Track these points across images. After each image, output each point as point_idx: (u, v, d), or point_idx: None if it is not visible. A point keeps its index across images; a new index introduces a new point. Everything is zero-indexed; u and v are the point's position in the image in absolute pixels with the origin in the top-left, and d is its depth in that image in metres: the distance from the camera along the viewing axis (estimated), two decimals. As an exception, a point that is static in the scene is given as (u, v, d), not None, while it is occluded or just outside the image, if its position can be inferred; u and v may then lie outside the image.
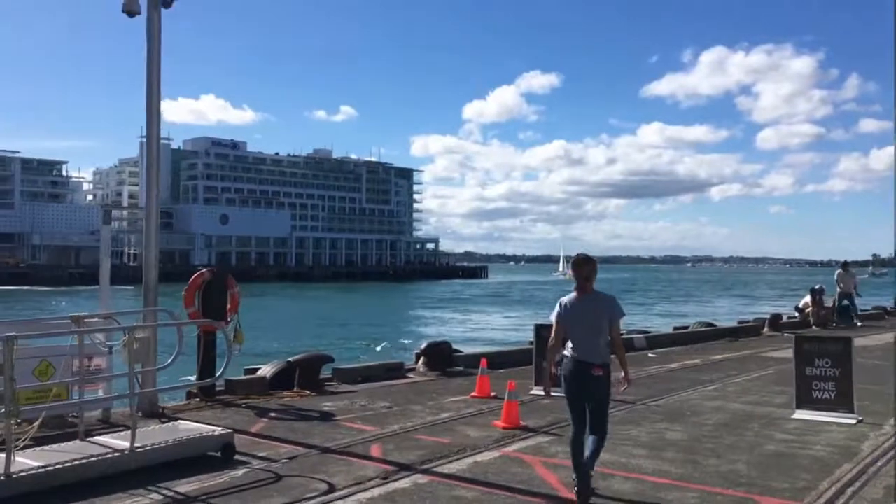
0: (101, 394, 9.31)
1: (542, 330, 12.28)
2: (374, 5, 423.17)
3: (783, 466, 7.69)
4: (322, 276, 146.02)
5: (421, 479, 7.17)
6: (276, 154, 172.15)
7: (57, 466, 6.53)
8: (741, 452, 8.26)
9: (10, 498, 6.17)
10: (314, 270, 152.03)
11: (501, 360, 15.20)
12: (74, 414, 9.46)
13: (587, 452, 6.53)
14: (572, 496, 6.51)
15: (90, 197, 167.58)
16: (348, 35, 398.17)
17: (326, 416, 10.04)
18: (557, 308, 6.78)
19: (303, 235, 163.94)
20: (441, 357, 14.32)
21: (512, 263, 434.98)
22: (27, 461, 6.51)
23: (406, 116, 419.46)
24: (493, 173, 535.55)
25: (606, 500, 6.61)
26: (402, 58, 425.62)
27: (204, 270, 11.29)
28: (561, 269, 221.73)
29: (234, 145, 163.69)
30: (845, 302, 26.25)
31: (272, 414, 10.17)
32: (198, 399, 10.92)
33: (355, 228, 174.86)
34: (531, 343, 12.74)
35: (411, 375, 13.89)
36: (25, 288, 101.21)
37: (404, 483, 7.02)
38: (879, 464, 7.83)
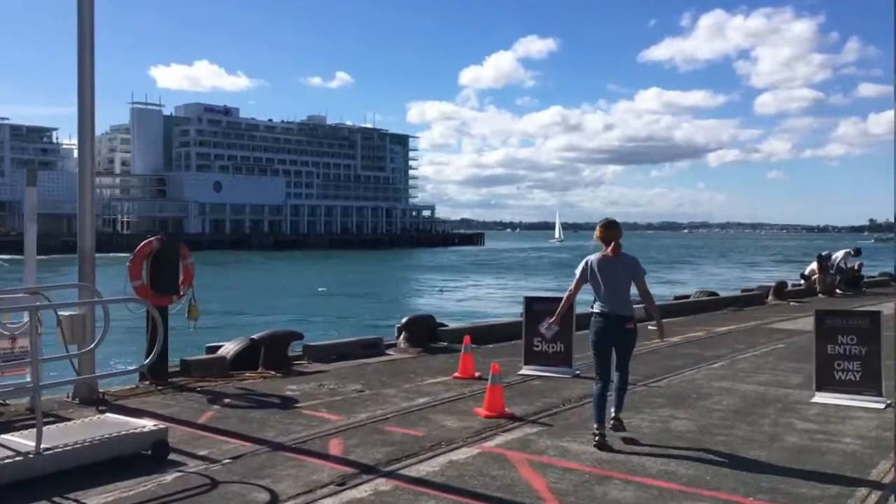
0: (28, 379, 8.14)
1: (532, 303, 11.14)
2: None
3: (809, 465, 6.57)
4: (317, 243, 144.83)
5: (383, 484, 6.03)
6: (270, 120, 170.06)
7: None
8: (759, 447, 7.14)
9: None
10: (309, 238, 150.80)
11: (490, 335, 14.11)
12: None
13: (614, 404, 7.39)
14: (562, 510, 5.44)
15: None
16: (345, 0, 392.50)
17: (287, 403, 8.90)
18: (583, 265, 7.58)
19: (297, 203, 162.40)
20: (423, 332, 13.18)
21: (508, 230, 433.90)
22: None
23: (402, 83, 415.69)
24: (489, 140, 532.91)
25: (603, 515, 5.49)
26: (398, 23, 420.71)
27: (151, 238, 10.06)
28: (557, 235, 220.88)
29: (227, 111, 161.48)
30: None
31: (227, 400, 9.02)
32: (147, 382, 9.78)
33: (350, 196, 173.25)
34: (522, 316, 11.56)
35: (391, 352, 12.75)
36: (17, 257, 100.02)
37: (363, 490, 5.87)
38: (921, 461, 6.72)
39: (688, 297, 22.14)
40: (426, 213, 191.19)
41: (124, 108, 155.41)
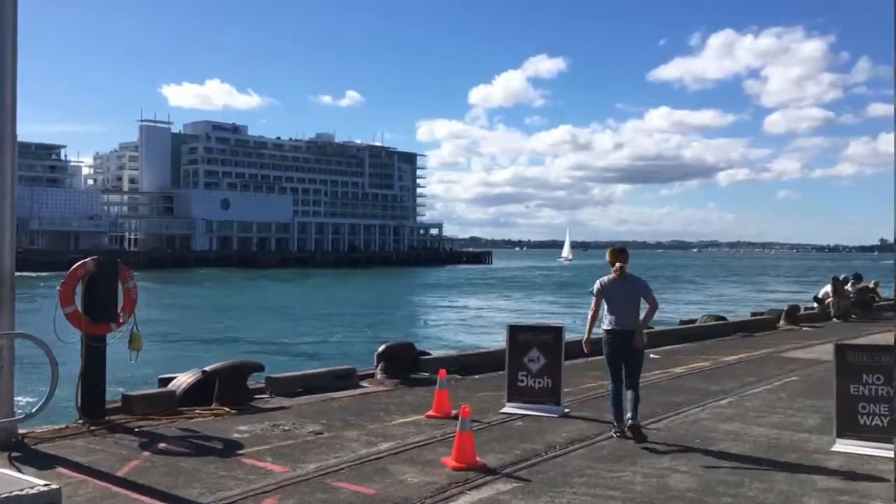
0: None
1: (517, 333, 9.97)
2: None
3: (835, 541, 5.38)
4: (324, 261, 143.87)
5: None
6: (278, 138, 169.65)
7: None
8: (773, 514, 5.95)
9: None
10: (316, 256, 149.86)
11: (478, 364, 12.95)
12: None
13: (629, 408, 8.20)
14: None
15: (91, 182, 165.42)
16: (355, 19, 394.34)
17: (230, 448, 7.75)
18: (598, 286, 8.53)
19: (305, 221, 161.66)
20: (402, 361, 12.03)
21: (517, 249, 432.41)
22: None
23: (412, 101, 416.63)
24: (498, 158, 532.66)
25: None
26: (408, 43, 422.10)
27: (87, 259, 8.94)
28: (565, 254, 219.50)
29: (235, 129, 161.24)
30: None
31: (162, 444, 7.87)
32: (81, 421, 8.65)
33: (358, 214, 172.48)
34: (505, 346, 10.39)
35: (365, 384, 11.60)
36: (23, 274, 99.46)
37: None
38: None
39: (694, 321, 20.89)
40: (434, 231, 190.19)
41: (135, 127, 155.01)
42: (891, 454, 7.47)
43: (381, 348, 12.01)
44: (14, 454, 7.32)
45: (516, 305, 55.51)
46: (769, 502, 6.23)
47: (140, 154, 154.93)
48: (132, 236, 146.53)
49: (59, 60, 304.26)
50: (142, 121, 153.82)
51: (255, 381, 11.02)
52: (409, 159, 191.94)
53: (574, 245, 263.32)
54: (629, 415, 8.19)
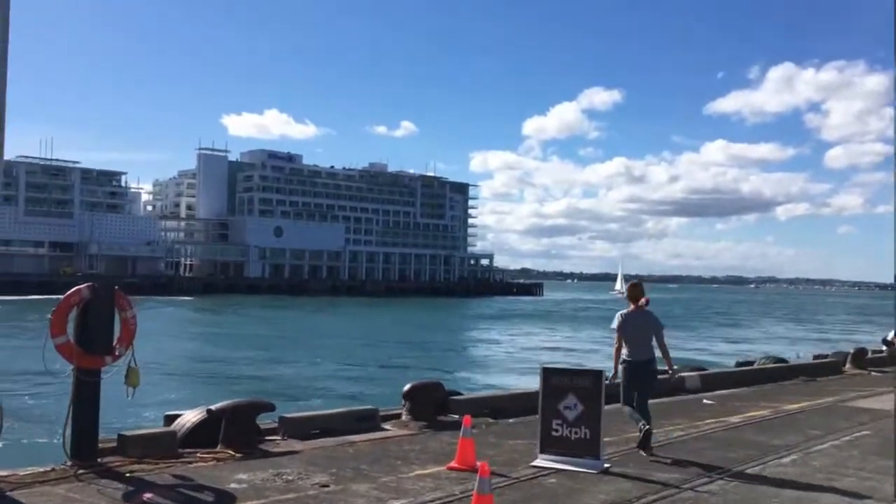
0: None
1: (550, 376, 8.96)
2: (437, 23, 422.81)
3: None
4: (374, 290, 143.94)
5: None
6: (332, 167, 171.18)
7: None
8: None
9: None
10: (366, 284, 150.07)
11: (513, 406, 11.93)
12: None
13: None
14: None
15: (150, 208, 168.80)
16: (412, 52, 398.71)
17: (223, 502, 6.90)
18: (619, 319, 9.25)
19: (356, 249, 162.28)
20: (430, 402, 11.08)
21: (569, 281, 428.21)
22: None
23: (466, 132, 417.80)
24: (551, 190, 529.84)
25: None
26: (463, 74, 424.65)
27: (81, 286, 8.23)
28: (618, 287, 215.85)
29: (290, 158, 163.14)
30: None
31: (147, 496, 7.04)
32: (69, 463, 7.89)
33: (409, 243, 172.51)
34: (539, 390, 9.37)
35: (388, 427, 10.68)
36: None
37: None
38: None
39: (751, 363, 19.48)
40: (484, 261, 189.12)
41: (194, 155, 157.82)
42: None
43: (407, 388, 11.09)
44: (-18, 502, 6.58)
45: (564, 340, 54.05)
46: None
47: (198, 181, 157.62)
48: (187, 262, 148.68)
49: (126, 91, 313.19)
50: (200, 149, 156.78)
51: (269, 420, 10.21)
52: (461, 189, 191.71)
53: (627, 278, 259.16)
54: (643, 422, 9.14)
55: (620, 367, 9.24)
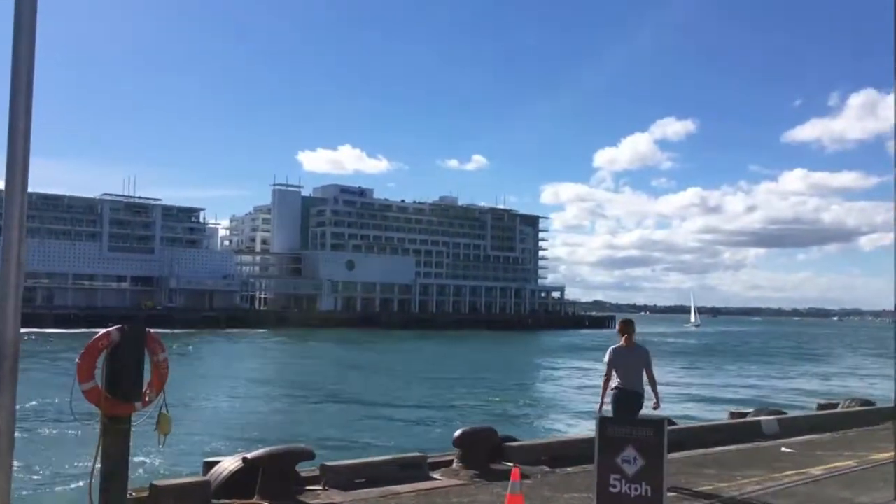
0: None
1: (607, 426, 8.22)
2: (506, 57, 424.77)
3: None
4: (445, 323, 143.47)
5: None
6: (402, 201, 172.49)
7: None
8: None
9: None
10: (437, 317, 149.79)
11: (571, 454, 11.15)
12: None
13: None
14: None
15: (226, 243, 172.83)
16: (484, 86, 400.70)
17: (245, 564, 6.38)
18: (610, 353, 9.96)
19: (427, 282, 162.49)
20: (482, 449, 10.42)
21: (642, 313, 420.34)
22: None
23: (536, 165, 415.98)
24: (624, 221, 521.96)
25: None
26: (533, 107, 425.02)
27: (111, 329, 7.90)
28: (693, 320, 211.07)
29: (362, 192, 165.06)
30: None
31: (168, 554, 6.60)
32: (96, 514, 7.51)
33: (479, 276, 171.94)
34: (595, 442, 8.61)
35: (437, 475, 10.05)
36: (162, 331, 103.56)
37: None
38: None
39: (835, 405, 18.14)
40: (556, 294, 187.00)
41: (269, 191, 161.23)
42: None
43: (458, 434, 10.47)
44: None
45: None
46: None
47: (272, 216, 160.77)
48: (262, 295, 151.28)
49: (205, 131, 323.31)
50: (275, 185, 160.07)
51: (312, 468, 9.71)
52: (532, 222, 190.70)
53: (703, 311, 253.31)
54: None
55: (611, 394, 9.78)
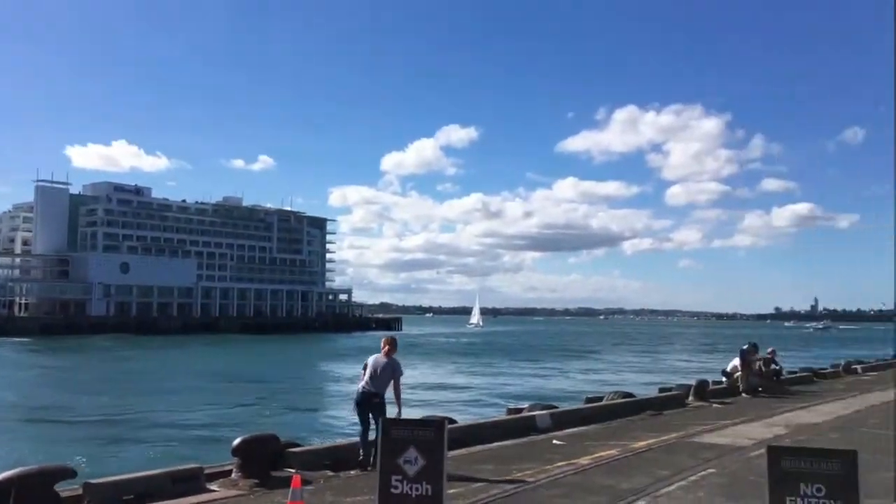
0: None
1: (389, 428, 8.22)
2: (293, 59, 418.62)
3: None
4: (228, 327, 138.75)
5: None
6: (183, 201, 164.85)
7: None
8: None
9: None
10: (220, 321, 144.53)
11: (351, 458, 11.09)
12: None
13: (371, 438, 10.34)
14: None
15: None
16: (268, 85, 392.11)
17: None
18: (370, 359, 11.34)
19: (209, 285, 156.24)
20: (263, 457, 10.09)
21: (428, 315, 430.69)
22: None
23: (324, 167, 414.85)
24: (410, 224, 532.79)
25: None
26: (322, 110, 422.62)
27: None
28: (474, 320, 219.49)
29: (138, 191, 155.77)
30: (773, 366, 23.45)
31: None
32: None
33: (265, 279, 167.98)
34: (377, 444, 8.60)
35: (215, 487, 9.59)
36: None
37: None
38: None
39: (600, 399, 19.48)
40: (343, 296, 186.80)
41: (32, 187, 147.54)
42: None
43: (237, 442, 10.05)
44: None
45: (421, 376, 53.35)
46: None
47: (35, 215, 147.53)
48: (22, 301, 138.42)
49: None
50: (38, 181, 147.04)
51: (75, 486, 8.91)
52: (319, 224, 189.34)
53: (484, 311, 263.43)
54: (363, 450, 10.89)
55: (356, 393, 11.10)
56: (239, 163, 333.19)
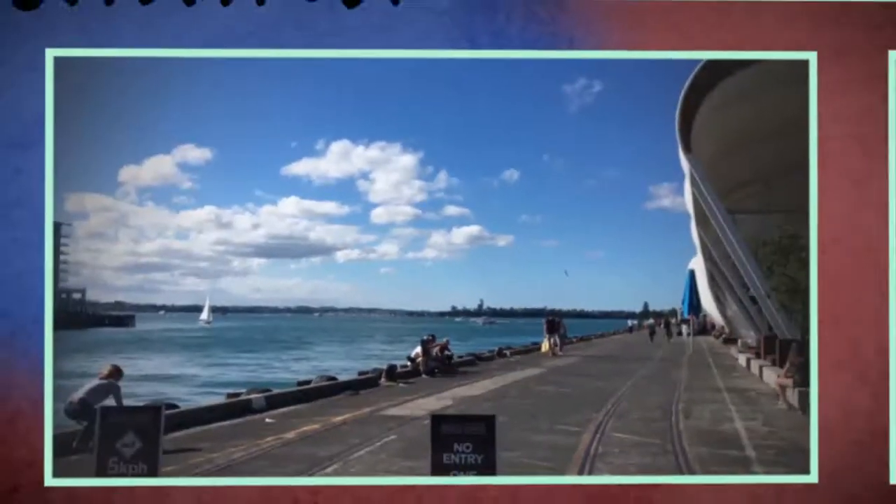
0: None
1: (107, 414, 7.51)
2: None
3: None
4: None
5: None
6: None
7: None
8: None
9: None
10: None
11: (80, 445, 9.90)
12: None
13: None
14: None
15: None
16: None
17: None
18: None
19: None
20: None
21: (161, 312, 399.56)
22: None
23: (61, 173, 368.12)
24: (146, 231, 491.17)
25: None
26: (62, 120, 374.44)
27: None
28: (204, 317, 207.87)
29: None
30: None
31: None
32: None
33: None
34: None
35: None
36: None
37: None
38: None
39: (309, 382, 19.39)
40: (77, 295, 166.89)
41: None
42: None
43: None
44: None
45: (154, 368, 49.06)
46: None
47: None
48: None
49: None
50: None
51: None
52: (55, 228, 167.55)
53: (215, 310, 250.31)
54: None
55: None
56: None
